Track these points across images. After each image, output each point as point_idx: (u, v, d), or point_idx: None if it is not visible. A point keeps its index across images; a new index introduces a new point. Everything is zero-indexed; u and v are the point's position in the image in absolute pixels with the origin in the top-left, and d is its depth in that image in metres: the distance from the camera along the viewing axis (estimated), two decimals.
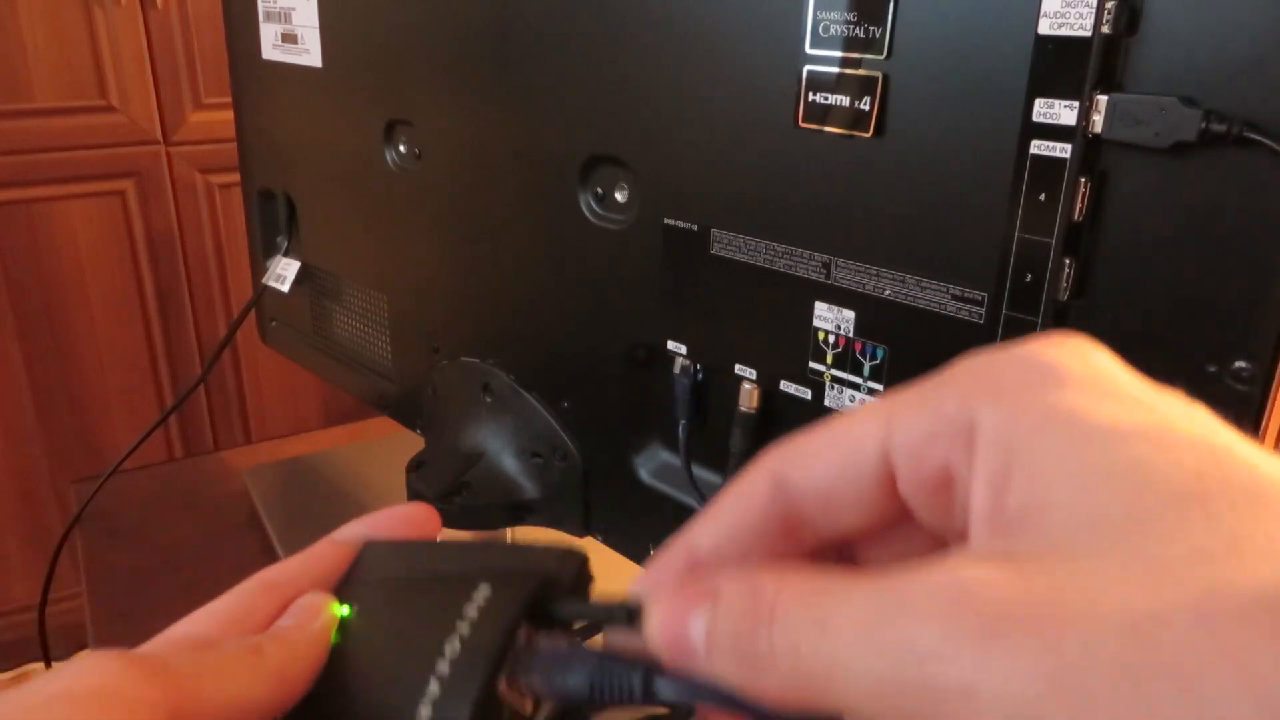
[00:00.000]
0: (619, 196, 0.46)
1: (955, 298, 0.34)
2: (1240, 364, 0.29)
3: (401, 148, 0.60)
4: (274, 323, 0.81)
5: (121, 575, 0.72)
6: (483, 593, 0.25)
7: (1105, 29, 0.29)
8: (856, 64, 0.35)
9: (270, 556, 0.73)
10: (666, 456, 0.49)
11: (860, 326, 0.38)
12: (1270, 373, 0.28)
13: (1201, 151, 0.28)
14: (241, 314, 0.79)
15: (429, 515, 0.29)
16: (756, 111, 0.39)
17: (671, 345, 0.45)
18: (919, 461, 0.18)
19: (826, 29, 0.35)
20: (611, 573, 0.56)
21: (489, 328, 0.57)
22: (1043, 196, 0.31)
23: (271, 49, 0.68)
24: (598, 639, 0.24)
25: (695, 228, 0.43)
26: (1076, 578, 0.15)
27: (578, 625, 0.26)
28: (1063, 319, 0.32)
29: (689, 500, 0.47)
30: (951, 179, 0.33)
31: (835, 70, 0.36)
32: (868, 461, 0.19)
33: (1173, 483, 0.15)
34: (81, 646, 1.79)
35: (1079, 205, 0.31)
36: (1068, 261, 0.31)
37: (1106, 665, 0.14)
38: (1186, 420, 0.17)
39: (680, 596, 0.19)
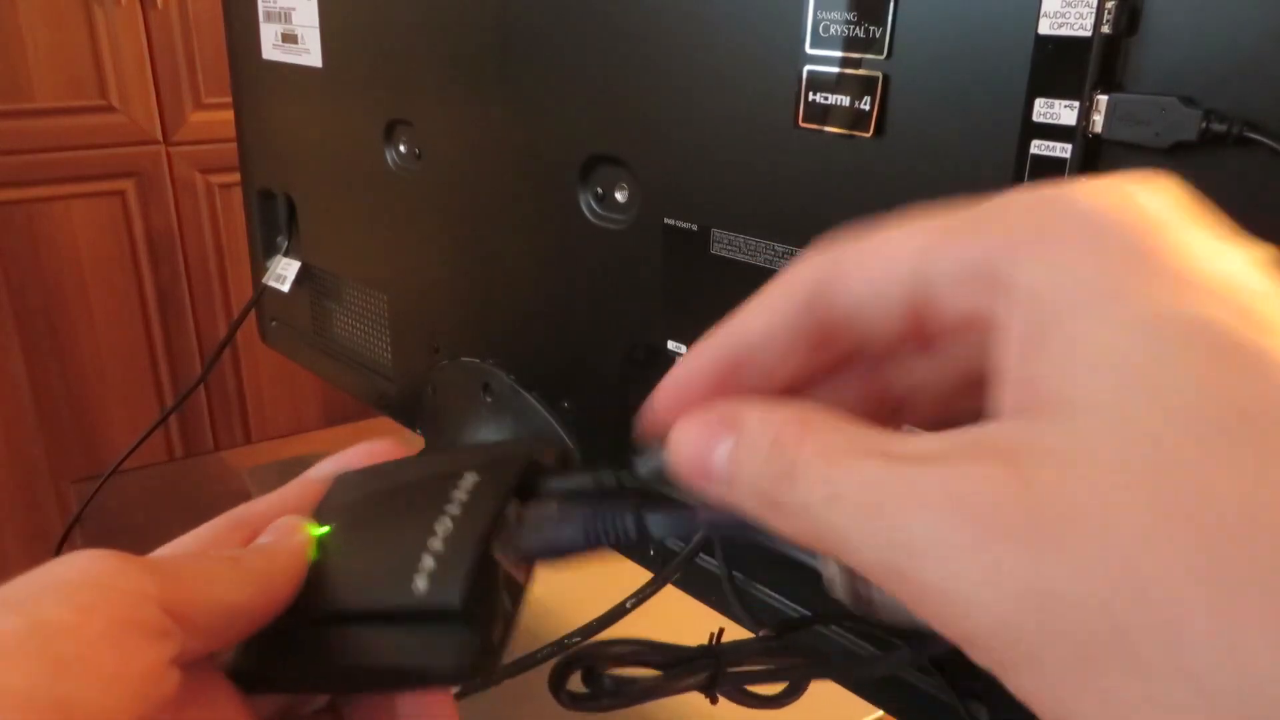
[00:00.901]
0: (619, 196, 0.46)
1: None
2: None
3: (401, 148, 0.60)
4: (274, 323, 0.81)
5: None
6: (469, 480, 0.25)
7: (1105, 29, 0.29)
8: (856, 64, 0.35)
9: None
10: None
11: None
12: None
13: (1201, 151, 0.28)
14: (241, 314, 0.79)
15: (398, 450, 0.29)
16: (756, 111, 0.39)
17: (671, 345, 0.45)
18: (950, 300, 0.17)
19: (826, 29, 0.35)
20: (611, 573, 0.56)
21: (489, 328, 0.57)
22: None
23: (271, 49, 0.68)
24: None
25: (695, 228, 0.43)
26: (1080, 496, 0.14)
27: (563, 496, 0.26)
28: None
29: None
30: (951, 179, 0.33)
31: (835, 70, 0.36)
32: (900, 285, 0.18)
33: (1212, 418, 0.14)
34: None
35: None
36: None
37: (1088, 595, 0.13)
38: (1255, 329, 0.14)
39: (706, 424, 0.19)
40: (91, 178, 1.57)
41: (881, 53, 0.34)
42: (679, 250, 0.44)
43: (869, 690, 0.41)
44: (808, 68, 0.36)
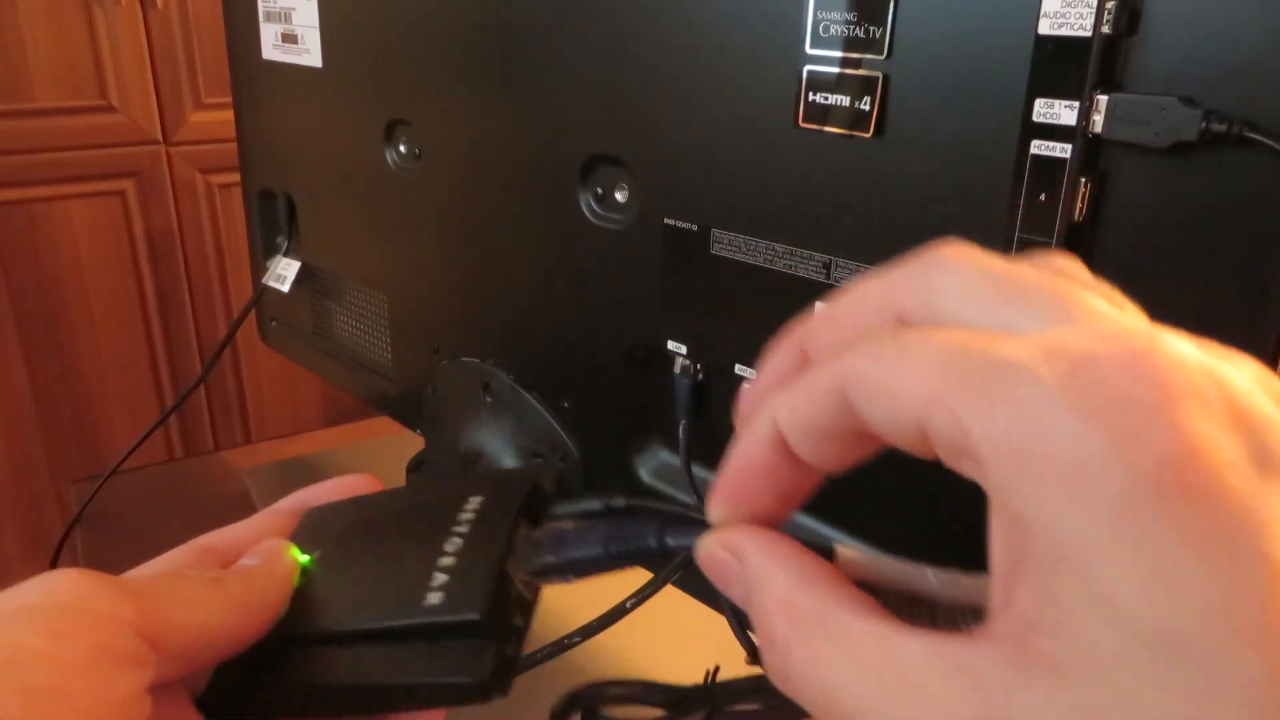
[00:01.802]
0: (619, 196, 0.46)
1: None
2: None
3: (401, 148, 0.60)
4: (274, 323, 0.81)
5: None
6: (475, 502, 0.25)
7: (1105, 29, 0.29)
8: (856, 64, 0.35)
9: None
10: (666, 456, 0.49)
11: None
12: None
13: (1201, 151, 0.28)
14: (241, 314, 0.79)
15: (370, 483, 0.28)
16: (756, 111, 0.39)
17: (671, 345, 0.45)
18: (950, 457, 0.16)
19: (826, 29, 0.35)
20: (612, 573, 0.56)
21: (489, 328, 0.57)
22: (1043, 196, 0.31)
23: (271, 49, 0.68)
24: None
25: (695, 228, 0.43)
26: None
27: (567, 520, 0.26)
28: None
29: (689, 500, 0.47)
30: (951, 179, 0.33)
31: (835, 70, 0.36)
32: (911, 423, 0.17)
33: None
34: None
35: (1079, 205, 0.31)
36: None
37: None
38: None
39: (725, 568, 0.20)
40: (91, 178, 1.57)
41: (881, 53, 0.34)
42: (679, 250, 0.44)
43: None
44: (808, 68, 0.36)
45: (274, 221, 0.75)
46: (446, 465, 0.58)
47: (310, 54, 0.64)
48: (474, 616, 0.22)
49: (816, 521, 0.43)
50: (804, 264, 0.39)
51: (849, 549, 0.21)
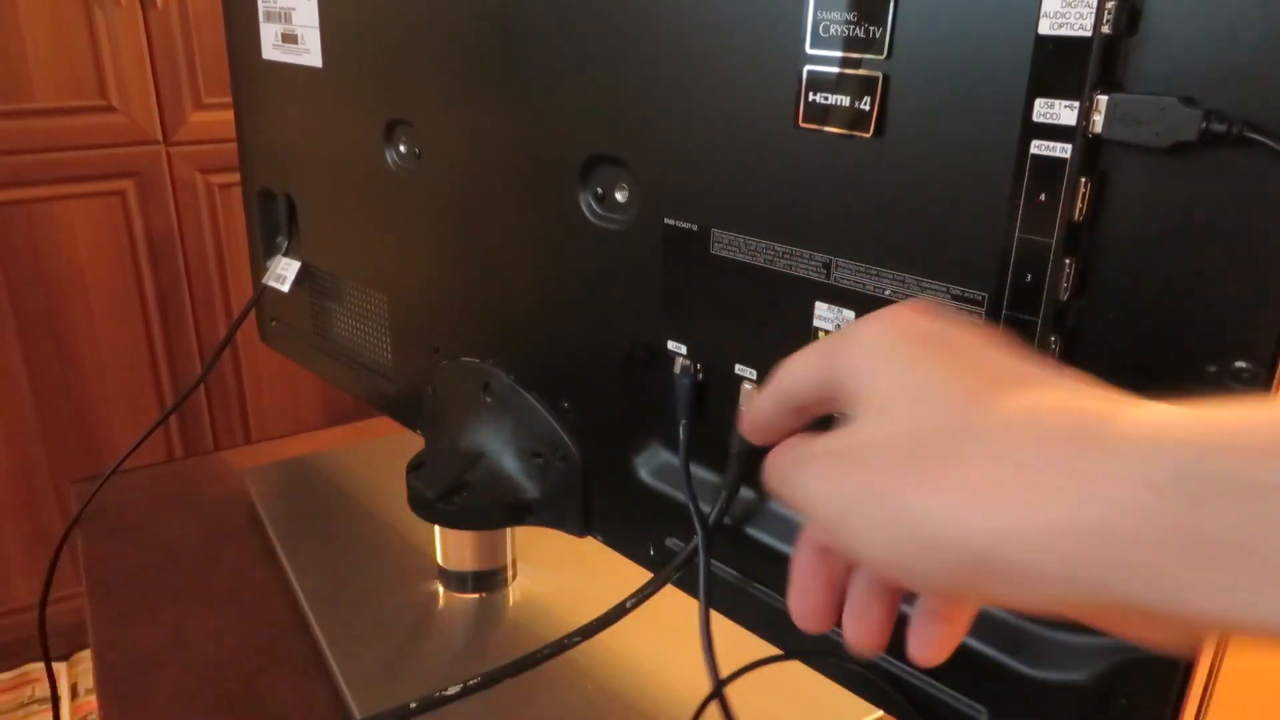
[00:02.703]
0: (619, 196, 0.46)
1: (955, 298, 0.34)
2: (1240, 364, 0.29)
3: (401, 148, 0.60)
4: (274, 323, 0.81)
5: (121, 575, 0.72)
6: None
7: (1105, 29, 0.29)
8: (856, 64, 0.35)
9: (270, 556, 0.73)
10: (666, 456, 0.49)
11: None
12: (1270, 373, 0.28)
13: (1201, 151, 0.28)
14: (241, 314, 0.79)
15: None
16: (756, 111, 0.39)
17: (671, 345, 0.45)
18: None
19: (826, 29, 0.35)
20: (612, 573, 0.56)
21: (489, 328, 0.57)
22: (1043, 196, 0.31)
23: (271, 49, 0.68)
24: None
25: (695, 228, 0.43)
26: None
27: None
28: (1063, 319, 0.32)
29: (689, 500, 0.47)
30: (951, 179, 0.33)
31: (835, 70, 0.36)
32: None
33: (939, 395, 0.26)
34: (82, 646, 1.79)
35: (1079, 205, 0.31)
36: (1068, 261, 0.31)
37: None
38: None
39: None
40: (91, 178, 1.57)
41: (881, 53, 0.34)
42: (679, 250, 0.44)
43: (869, 690, 0.41)
44: (808, 68, 0.36)
45: (274, 221, 0.75)
46: (447, 465, 0.58)
47: (310, 54, 0.64)
48: None
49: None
50: (804, 264, 0.39)
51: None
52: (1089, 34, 0.29)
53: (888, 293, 0.36)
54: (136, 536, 0.77)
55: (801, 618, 0.31)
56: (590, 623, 0.47)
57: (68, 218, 1.57)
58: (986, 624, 0.37)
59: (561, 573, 0.69)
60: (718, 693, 0.44)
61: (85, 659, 1.78)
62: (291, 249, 0.74)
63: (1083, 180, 0.30)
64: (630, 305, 0.47)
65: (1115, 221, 0.31)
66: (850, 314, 0.38)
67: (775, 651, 0.45)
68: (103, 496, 0.80)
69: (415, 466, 0.60)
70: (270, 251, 0.76)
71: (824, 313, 0.39)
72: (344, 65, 0.62)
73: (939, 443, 0.25)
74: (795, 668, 0.44)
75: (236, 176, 0.79)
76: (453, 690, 0.46)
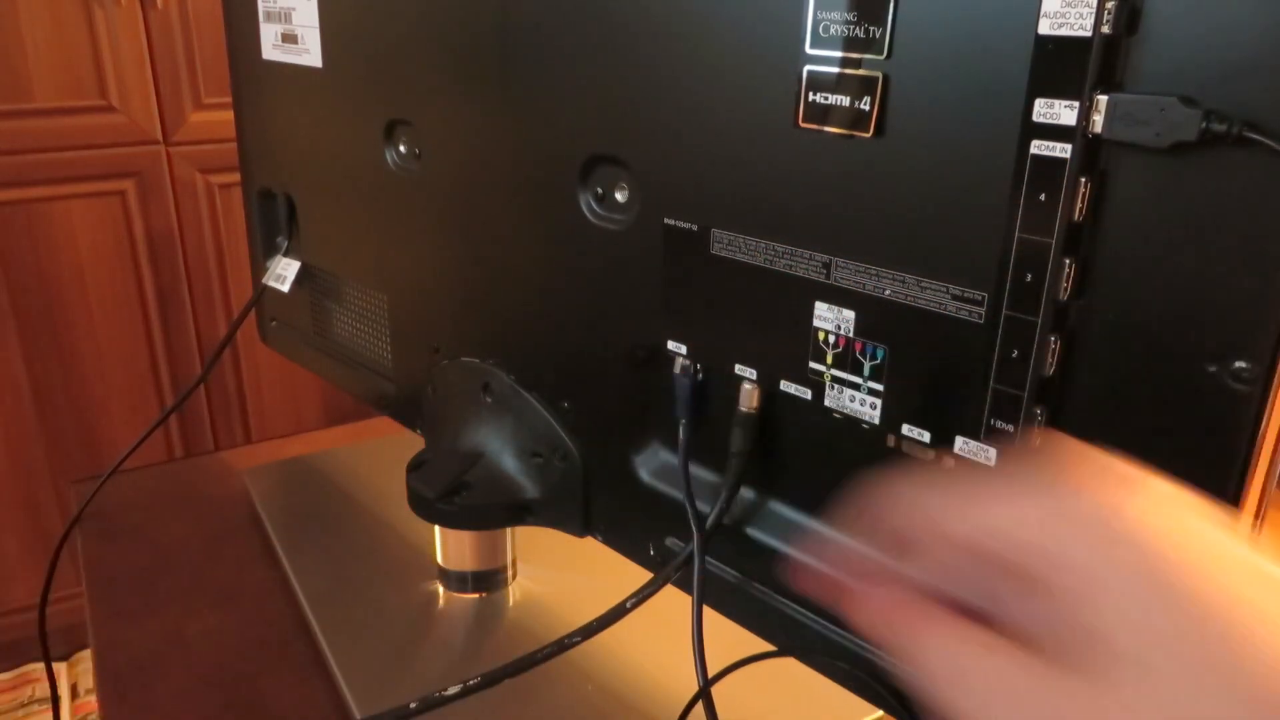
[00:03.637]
0: (619, 196, 0.46)
1: (955, 298, 0.34)
2: (1240, 364, 0.29)
3: (401, 148, 0.60)
4: (274, 323, 0.81)
5: (121, 575, 0.72)
6: None
7: (1105, 29, 0.29)
8: (856, 64, 0.35)
9: (270, 556, 0.73)
10: (666, 456, 0.49)
11: (860, 326, 0.38)
12: (1270, 373, 0.28)
13: (1201, 151, 0.28)
14: (241, 314, 0.79)
15: None
16: (756, 111, 0.39)
17: (671, 345, 0.45)
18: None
19: (826, 29, 0.35)
20: (612, 573, 0.56)
21: (489, 328, 0.57)
22: (1043, 196, 0.31)
23: (271, 49, 0.68)
24: None
25: (695, 228, 0.43)
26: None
27: None
28: (1063, 319, 0.32)
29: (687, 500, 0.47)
30: (951, 179, 0.33)
31: (835, 70, 0.36)
32: None
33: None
34: (82, 646, 1.79)
35: (1079, 205, 0.31)
36: (1068, 261, 0.31)
37: None
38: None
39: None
40: (91, 178, 1.57)
41: (881, 53, 0.34)
42: (679, 250, 0.44)
43: (869, 690, 0.41)
44: (808, 68, 0.36)
45: (274, 221, 0.75)
46: (447, 465, 0.58)
47: (310, 54, 0.64)
48: None
49: (819, 521, 0.43)
50: (804, 264, 0.39)
51: None
52: (1089, 34, 0.29)
53: (887, 293, 0.36)
54: (136, 536, 0.77)
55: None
56: (590, 623, 0.46)
57: (68, 218, 1.57)
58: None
59: (561, 573, 0.69)
60: (704, 693, 0.44)
61: (85, 659, 1.78)
62: (291, 249, 0.74)
63: (1083, 180, 0.30)
64: (630, 305, 0.47)
65: (1115, 221, 0.31)
66: (850, 314, 0.38)
67: (766, 648, 0.45)
68: (102, 496, 0.80)
69: (415, 466, 0.60)
70: (270, 251, 0.76)
71: (824, 313, 0.39)
72: (344, 65, 0.62)
73: None
74: (796, 668, 0.44)
75: (236, 176, 0.79)
76: (453, 690, 0.46)
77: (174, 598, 0.69)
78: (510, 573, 0.68)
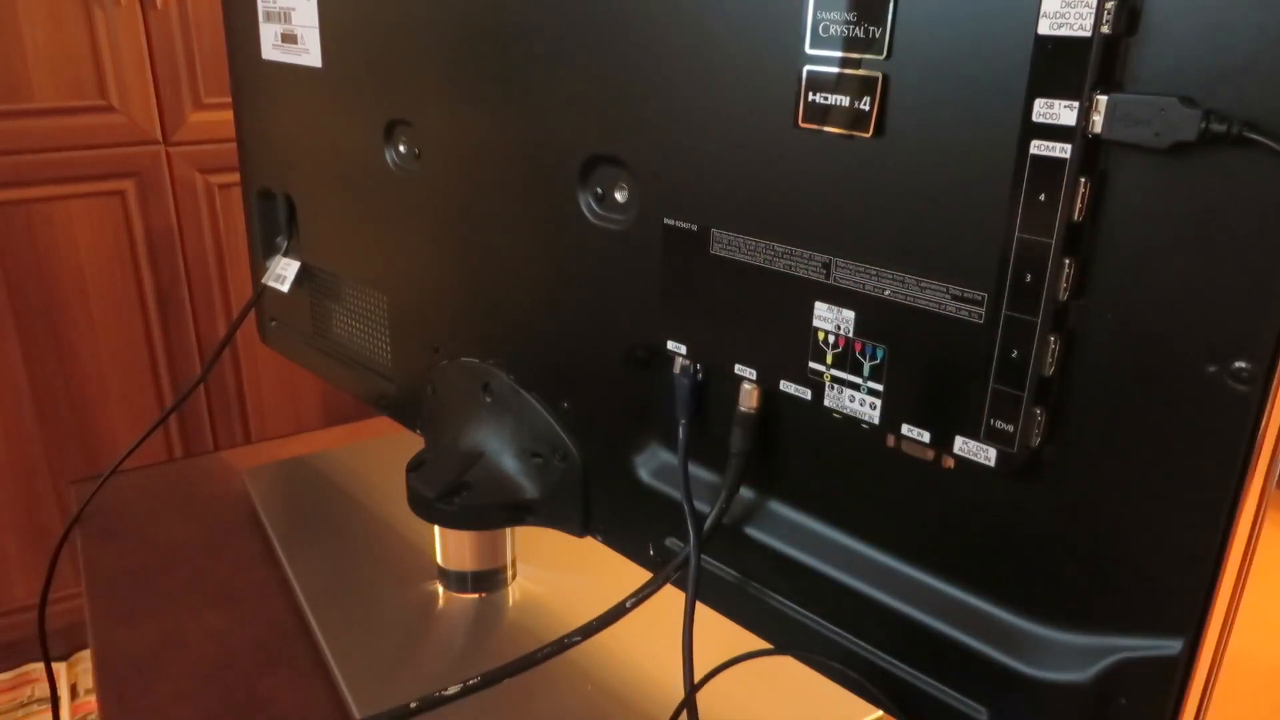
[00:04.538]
0: (619, 196, 0.46)
1: (955, 298, 0.34)
2: (1240, 364, 0.29)
3: (401, 148, 0.60)
4: (274, 323, 0.81)
5: (121, 575, 0.72)
6: None
7: (1105, 29, 0.29)
8: (856, 64, 0.35)
9: (270, 556, 0.73)
10: (666, 456, 0.49)
11: (860, 326, 0.38)
12: (1270, 373, 0.28)
13: (1201, 151, 0.28)
14: (241, 314, 0.79)
15: None
16: (756, 111, 0.39)
17: (671, 345, 0.45)
18: None
19: (826, 29, 0.35)
20: (612, 573, 0.56)
21: (489, 328, 0.57)
22: (1043, 196, 0.31)
23: (271, 49, 0.68)
24: None
25: (695, 228, 0.43)
26: None
27: None
28: (1062, 319, 0.32)
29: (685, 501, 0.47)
30: (951, 179, 0.33)
31: (835, 70, 0.36)
32: None
33: None
34: (81, 646, 1.79)
35: (1079, 205, 0.31)
36: (1068, 261, 0.31)
37: None
38: None
39: None
40: (91, 178, 1.57)
41: (881, 53, 0.34)
42: (679, 250, 0.44)
43: (869, 690, 0.41)
44: (808, 68, 0.36)
45: (274, 221, 0.75)
46: (447, 465, 0.58)
47: (310, 54, 0.64)
48: None
49: (820, 522, 0.43)
50: (804, 264, 0.39)
51: None
52: (1089, 34, 0.29)
53: (887, 293, 0.36)
54: (136, 536, 0.77)
55: None
56: (590, 622, 0.47)
57: (68, 218, 1.57)
58: (986, 624, 0.37)
59: (561, 573, 0.69)
60: (689, 700, 0.44)
61: (85, 659, 1.78)
62: (291, 249, 0.74)
63: (1082, 180, 0.30)
64: (630, 305, 0.47)
65: (1115, 221, 0.31)
66: (850, 314, 0.38)
67: (765, 647, 0.45)
68: (102, 496, 0.80)
69: (415, 466, 0.60)
70: (270, 251, 0.76)
71: (824, 313, 0.39)
72: (343, 65, 0.62)
73: None
74: (795, 668, 0.44)
75: (236, 176, 0.79)
76: (453, 690, 0.46)
77: (174, 598, 0.69)
78: (510, 573, 0.68)
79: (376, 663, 0.60)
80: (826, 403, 0.40)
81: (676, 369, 0.45)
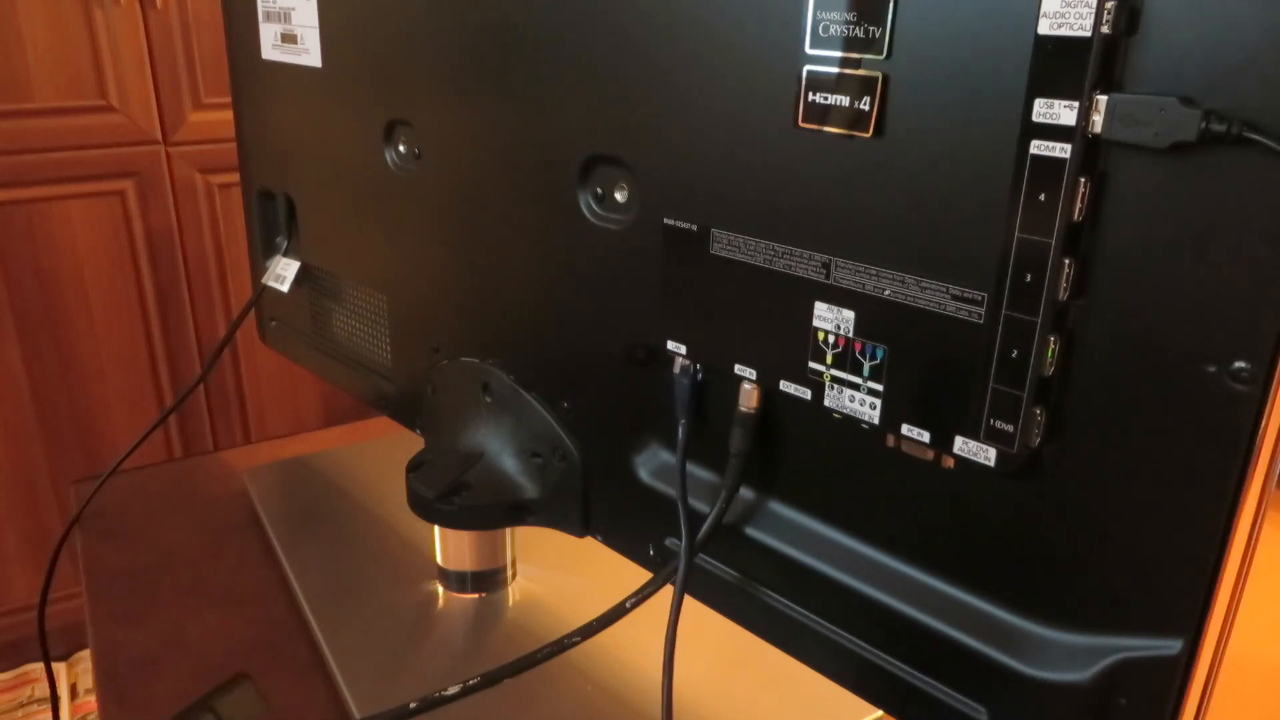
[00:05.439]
0: (619, 196, 0.46)
1: (955, 298, 0.34)
2: (1240, 364, 0.29)
3: (401, 148, 0.60)
4: (274, 323, 0.81)
5: (121, 575, 0.72)
6: None
7: (1105, 29, 0.29)
8: (856, 64, 0.35)
9: (269, 556, 0.73)
10: (666, 456, 0.49)
11: (860, 326, 0.38)
12: (1270, 373, 0.28)
13: (1201, 151, 0.28)
14: (241, 314, 0.79)
15: None
16: (756, 111, 0.39)
17: (671, 345, 0.45)
18: None
19: (826, 29, 0.35)
20: (612, 573, 0.56)
21: (489, 328, 0.57)
22: (1043, 196, 0.31)
23: (271, 49, 0.68)
24: None
25: (695, 228, 0.43)
26: None
27: None
28: (1062, 319, 0.32)
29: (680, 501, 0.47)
30: (951, 179, 0.33)
31: (835, 70, 0.36)
32: None
33: None
34: (81, 646, 1.79)
35: (1079, 205, 0.31)
36: (1068, 261, 0.31)
37: None
38: None
39: None
40: (91, 178, 1.57)
41: (881, 53, 0.34)
42: (679, 250, 0.44)
43: (869, 690, 0.41)
44: (808, 68, 0.36)
45: (274, 221, 0.75)
46: (447, 465, 0.58)
47: (310, 54, 0.64)
48: None
49: (819, 521, 0.43)
50: (804, 264, 0.39)
51: None
52: (1088, 34, 0.29)
53: (887, 293, 0.36)
54: (136, 536, 0.77)
55: None
56: (590, 623, 0.47)
57: (67, 218, 1.57)
58: (986, 624, 0.37)
59: (561, 573, 0.69)
60: (665, 694, 0.44)
61: (85, 659, 1.78)
62: (291, 249, 0.74)
63: (1082, 180, 0.30)
64: (630, 305, 0.47)
65: (1115, 221, 0.31)
66: (850, 314, 0.38)
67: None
68: (102, 496, 0.80)
69: (415, 466, 0.60)
70: (270, 251, 0.76)
71: (824, 313, 0.39)
72: (343, 65, 0.62)
73: None
74: (796, 668, 0.44)
75: (236, 176, 0.79)
76: (453, 690, 0.46)
77: (174, 598, 0.69)
78: (510, 573, 0.68)
79: (376, 663, 0.60)
80: (826, 403, 0.40)
81: (676, 369, 0.45)
